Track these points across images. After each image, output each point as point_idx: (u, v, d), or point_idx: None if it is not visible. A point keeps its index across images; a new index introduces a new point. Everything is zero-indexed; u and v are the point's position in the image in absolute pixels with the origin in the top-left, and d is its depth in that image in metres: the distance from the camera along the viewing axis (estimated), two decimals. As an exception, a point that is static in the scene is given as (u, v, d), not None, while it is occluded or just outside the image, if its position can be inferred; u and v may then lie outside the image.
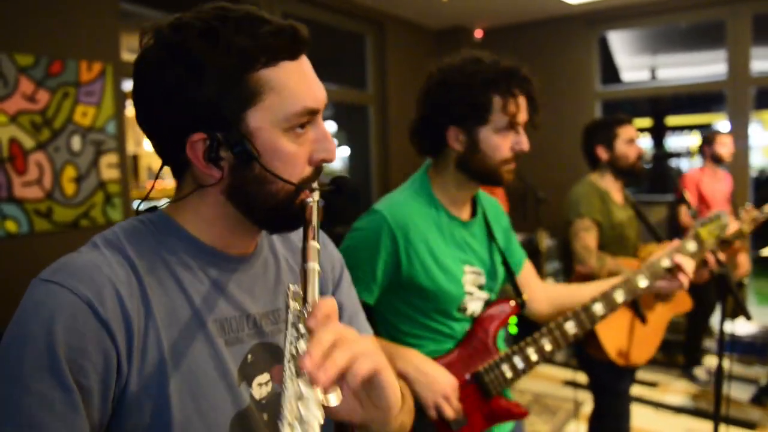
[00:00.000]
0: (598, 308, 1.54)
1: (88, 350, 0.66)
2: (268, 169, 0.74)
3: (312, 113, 0.77)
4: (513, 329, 5.70)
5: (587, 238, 2.40)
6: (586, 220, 2.43)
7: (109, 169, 3.06)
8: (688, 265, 1.56)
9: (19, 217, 2.70)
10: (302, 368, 0.57)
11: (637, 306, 2.36)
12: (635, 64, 7.78)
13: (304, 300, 0.65)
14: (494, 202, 1.67)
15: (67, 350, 0.65)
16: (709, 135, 4.16)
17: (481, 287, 1.49)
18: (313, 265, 0.67)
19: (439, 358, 1.40)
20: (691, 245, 1.66)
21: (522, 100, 1.39)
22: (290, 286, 0.70)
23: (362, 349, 0.62)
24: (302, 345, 0.62)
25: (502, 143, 1.38)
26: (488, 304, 1.51)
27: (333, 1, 4.54)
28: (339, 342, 0.60)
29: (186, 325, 0.75)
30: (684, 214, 4.09)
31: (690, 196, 3.88)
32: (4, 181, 2.65)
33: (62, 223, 2.86)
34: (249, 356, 0.80)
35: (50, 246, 2.81)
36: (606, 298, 1.55)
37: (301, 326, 0.63)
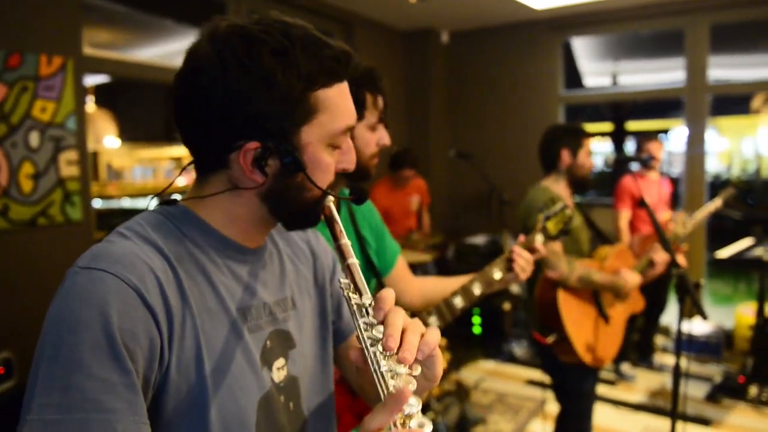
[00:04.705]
0: (458, 301, 1.61)
1: (138, 335, 0.68)
2: (311, 179, 0.79)
3: (350, 129, 0.84)
4: (477, 329, 5.70)
5: (554, 243, 2.42)
6: None
7: (68, 166, 2.98)
8: (524, 256, 1.63)
9: (-27, 215, 2.60)
10: (388, 350, 0.68)
11: (600, 306, 2.41)
12: (598, 69, 7.95)
13: (357, 291, 0.75)
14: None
15: (122, 334, 0.66)
16: (639, 141, 4.38)
17: None
18: (353, 260, 0.78)
19: None
20: (539, 237, 1.76)
21: (382, 98, 1.37)
22: (341, 280, 0.77)
23: (422, 326, 0.73)
24: (376, 331, 0.71)
25: (371, 139, 1.37)
26: None
27: (300, 0, 4.52)
28: (407, 324, 0.72)
29: (215, 313, 0.79)
30: (624, 220, 4.22)
31: (649, 200, 3.98)
32: (-43, 177, 2.55)
33: (19, 221, 2.77)
34: (268, 342, 0.86)
35: (6, 245, 2.72)
36: (465, 291, 1.62)
37: (369, 317, 0.73)
